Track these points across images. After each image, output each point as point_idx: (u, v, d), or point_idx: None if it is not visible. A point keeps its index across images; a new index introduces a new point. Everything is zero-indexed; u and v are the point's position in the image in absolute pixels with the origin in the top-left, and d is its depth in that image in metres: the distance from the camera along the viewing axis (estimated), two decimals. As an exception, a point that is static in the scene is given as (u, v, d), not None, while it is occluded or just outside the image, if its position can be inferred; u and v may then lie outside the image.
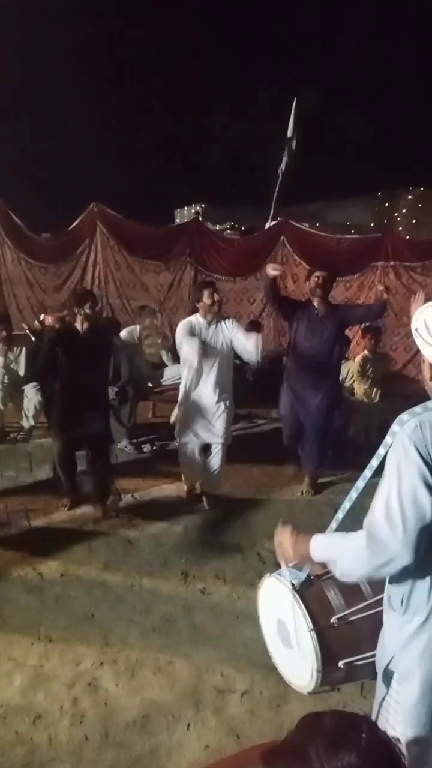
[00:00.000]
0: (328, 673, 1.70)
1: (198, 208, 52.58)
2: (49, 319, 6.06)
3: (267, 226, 9.44)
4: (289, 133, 10.40)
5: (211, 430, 4.34)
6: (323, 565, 1.60)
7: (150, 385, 6.22)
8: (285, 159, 10.44)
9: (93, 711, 2.36)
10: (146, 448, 5.78)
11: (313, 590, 1.77)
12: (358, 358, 6.44)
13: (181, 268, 8.59)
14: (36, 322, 6.55)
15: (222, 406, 4.35)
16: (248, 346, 4.22)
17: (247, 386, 6.72)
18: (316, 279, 4.66)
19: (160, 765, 2.11)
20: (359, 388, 6.23)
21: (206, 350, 4.21)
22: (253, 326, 7.12)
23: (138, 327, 6.71)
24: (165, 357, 6.40)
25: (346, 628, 1.71)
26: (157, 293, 8.43)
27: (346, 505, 1.63)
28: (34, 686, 2.48)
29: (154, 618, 2.99)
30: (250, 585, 3.26)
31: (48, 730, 2.25)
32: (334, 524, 1.68)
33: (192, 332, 4.27)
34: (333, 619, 1.70)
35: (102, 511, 4.16)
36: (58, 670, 2.58)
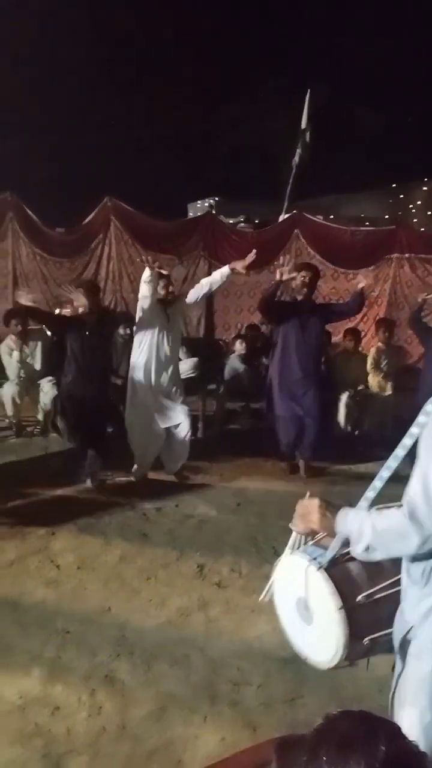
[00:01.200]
0: (352, 649, 1.73)
1: (211, 201, 52.44)
2: (64, 314, 6.12)
3: (281, 218, 9.40)
4: (303, 125, 10.34)
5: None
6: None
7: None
8: (299, 151, 10.38)
9: (110, 703, 2.37)
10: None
11: (339, 569, 1.77)
12: (372, 350, 6.43)
13: (195, 262, 8.57)
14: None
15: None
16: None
17: (261, 382, 6.72)
18: (303, 278, 4.92)
19: (176, 757, 2.13)
20: (373, 381, 6.21)
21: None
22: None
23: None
24: (180, 351, 6.40)
25: (370, 605, 1.72)
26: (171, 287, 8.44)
27: (377, 484, 1.63)
28: (51, 678, 2.50)
29: (170, 611, 3.01)
30: (266, 579, 3.25)
31: (66, 721, 2.27)
32: (363, 503, 1.69)
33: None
34: (360, 597, 1.71)
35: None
36: (75, 662, 2.60)
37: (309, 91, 10.46)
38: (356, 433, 6.10)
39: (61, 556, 3.51)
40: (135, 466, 4.78)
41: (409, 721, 1.39)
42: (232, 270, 4.70)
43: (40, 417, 5.73)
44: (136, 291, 8.43)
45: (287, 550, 1.92)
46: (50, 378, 5.73)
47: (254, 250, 4.73)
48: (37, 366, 5.78)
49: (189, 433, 4.77)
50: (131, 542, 3.73)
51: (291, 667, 2.60)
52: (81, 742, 2.18)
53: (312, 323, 4.97)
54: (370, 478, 1.57)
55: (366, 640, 1.71)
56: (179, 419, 4.69)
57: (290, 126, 10.75)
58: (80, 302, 4.48)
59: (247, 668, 2.59)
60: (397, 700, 1.48)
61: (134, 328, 4.91)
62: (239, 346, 6.72)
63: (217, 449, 5.60)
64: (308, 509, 1.61)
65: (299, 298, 5.03)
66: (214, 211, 9.71)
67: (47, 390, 5.65)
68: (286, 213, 9.92)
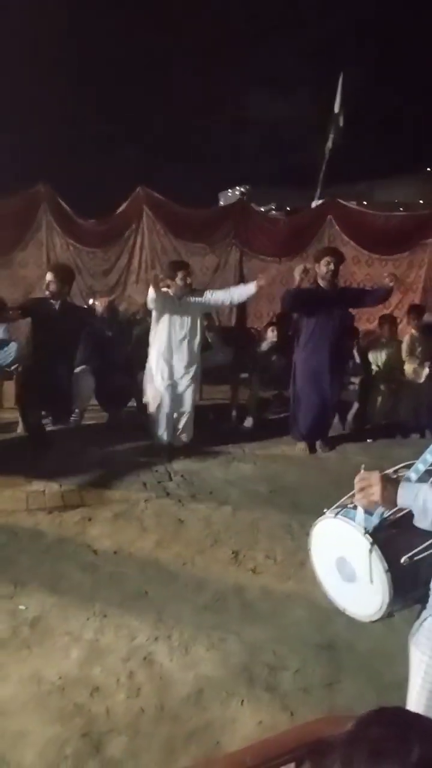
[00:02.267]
0: (393, 605, 1.82)
1: (242, 189, 52.14)
2: (98, 304, 6.18)
3: (313, 204, 9.31)
4: (336, 109, 10.20)
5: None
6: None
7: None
8: (332, 136, 10.26)
9: (148, 685, 2.41)
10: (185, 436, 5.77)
11: (384, 533, 1.83)
12: (406, 337, 6.35)
13: (227, 251, 8.55)
14: (86, 306, 6.68)
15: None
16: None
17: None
18: (328, 265, 4.98)
19: (214, 739, 2.15)
20: (408, 368, 6.14)
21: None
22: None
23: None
24: (211, 339, 6.40)
25: (412, 565, 1.80)
26: (202, 276, 8.42)
27: (428, 457, 1.65)
28: (90, 660, 2.54)
29: (206, 596, 3.03)
30: (301, 565, 3.27)
31: (105, 702, 2.31)
32: (413, 475, 1.70)
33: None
34: (404, 559, 1.77)
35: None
36: (113, 645, 2.64)
37: (342, 75, 10.32)
38: (390, 421, 6.05)
39: (97, 541, 3.56)
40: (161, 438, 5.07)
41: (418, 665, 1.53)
42: (259, 288, 4.94)
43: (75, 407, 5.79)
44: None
45: (328, 512, 1.98)
46: (84, 366, 5.79)
47: (273, 271, 5.22)
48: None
49: (188, 422, 5.16)
50: (166, 528, 3.76)
51: (327, 653, 2.60)
52: (120, 723, 2.21)
53: (336, 309, 5.05)
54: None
55: (408, 596, 1.80)
56: (184, 408, 5.07)
57: (323, 111, 10.61)
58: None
59: (284, 653, 2.60)
60: (414, 643, 1.60)
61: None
62: (271, 334, 6.69)
63: (250, 437, 5.62)
64: (369, 482, 1.63)
65: (323, 284, 5.02)
66: (245, 199, 9.65)
67: (83, 378, 5.71)
68: (318, 199, 9.82)
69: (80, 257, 8.26)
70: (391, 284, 5.09)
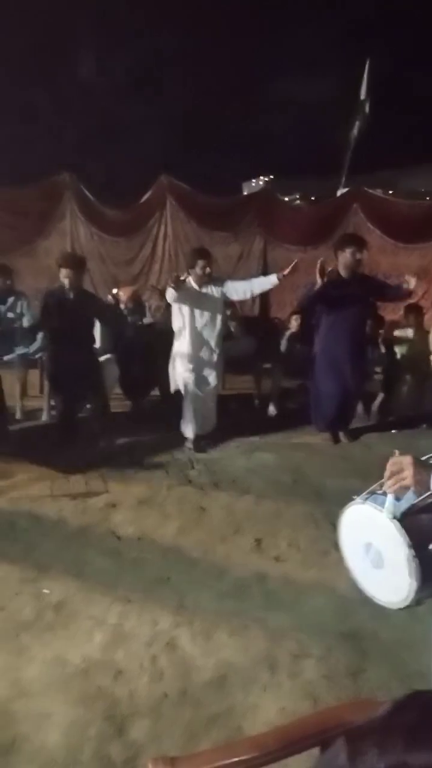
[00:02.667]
0: (421, 593, 1.81)
1: (266, 179, 51.76)
2: (122, 294, 6.19)
3: (339, 193, 9.21)
4: (362, 95, 10.07)
5: None
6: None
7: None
8: (358, 123, 10.12)
9: (171, 669, 2.41)
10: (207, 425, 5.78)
11: (411, 519, 1.82)
12: (433, 328, 6.25)
13: (251, 240, 8.52)
14: (109, 296, 6.70)
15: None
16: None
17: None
18: (354, 254, 4.82)
19: (236, 723, 2.15)
20: (435, 359, 6.05)
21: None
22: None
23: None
24: (234, 329, 6.38)
25: None
26: (225, 265, 8.40)
27: None
28: (114, 644, 2.56)
29: (228, 583, 3.03)
30: (324, 554, 3.25)
31: (128, 685, 2.33)
32: None
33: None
34: (431, 546, 1.77)
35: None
36: (136, 630, 2.65)
37: (368, 60, 10.16)
38: (416, 412, 5.98)
39: (121, 528, 3.58)
40: (187, 428, 5.03)
41: None
42: (280, 279, 4.81)
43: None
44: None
45: (358, 498, 1.97)
46: (109, 356, 5.81)
47: (296, 261, 4.78)
48: (97, 343, 5.86)
49: (211, 411, 5.13)
50: (189, 516, 3.76)
51: (352, 642, 2.58)
52: (143, 706, 2.22)
53: (357, 299, 4.91)
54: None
55: None
56: (207, 397, 5.06)
57: (348, 99, 10.48)
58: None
59: (307, 641, 2.58)
60: None
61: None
62: (294, 324, 6.64)
63: (273, 427, 5.59)
64: (401, 466, 1.61)
65: (344, 274, 4.89)
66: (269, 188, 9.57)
67: (108, 367, 5.75)
68: (344, 187, 9.71)
69: (104, 246, 8.30)
70: (411, 288, 4.90)
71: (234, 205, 8.91)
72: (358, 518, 2.01)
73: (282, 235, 8.45)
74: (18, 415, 5.65)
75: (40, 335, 5.56)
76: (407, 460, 1.59)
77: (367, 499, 2.10)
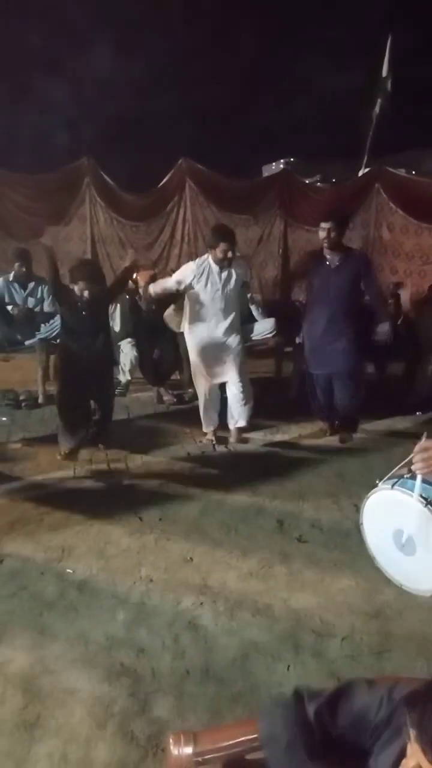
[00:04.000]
0: None
1: (286, 161, 51.22)
2: (140, 278, 6.16)
3: (361, 173, 9.06)
4: (384, 73, 9.85)
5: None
6: None
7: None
8: (379, 101, 9.92)
9: (193, 648, 2.41)
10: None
11: None
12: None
13: (271, 222, 8.42)
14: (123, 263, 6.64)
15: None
16: None
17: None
18: (325, 230, 4.35)
19: (260, 701, 2.14)
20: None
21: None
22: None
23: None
24: (255, 312, 6.31)
25: None
26: (246, 248, 8.32)
27: None
28: (136, 622, 2.56)
29: (251, 563, 3.01)
30: (347, 535, 3.22)
31: (151, 663, 2.33)
32: None
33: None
34: None
35: None
36: (159, 609, 2.65)
37: (390, 36, 9.93)
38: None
39: (143, 508, 3.58)
40: (204, 425, 4.80)
41: None
42: None
43: (121, 378, 5.83)
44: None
45: (382, 484, 1.91)
46: (130, 339, 5.81)
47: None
48: (117, 328, 5.86)
49: (243, 392, 4.66)
50: (210, 497, 3.75)
51: (376, 622, 2.55)
52: (166, 683, 2.22)
53: (340, 275, 4.44)
54: None
55: None
56: (230, 377, 4.65)
57: (370, 78, 10.27)
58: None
59: (331, 621, 2.56)
60: None
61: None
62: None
63: (295, 410, 5.54)
64: (430, 450, 1.58)
65: (325, 251, 4.48)
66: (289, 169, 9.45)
67: (127, 351, 5.75)
68: (365, 168, 9.54)
69: (123, 231, 8.27)
70: (400, 293, 4.57)
71: (254, 187, 8.82)
72: (386, 504, 1.94)
73: (302, 217, 8.33)
74: (41, 400, 5.69)
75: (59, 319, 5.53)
76: None
77: (394, 484, 2.03)
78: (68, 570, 2.93)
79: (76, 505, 3.63)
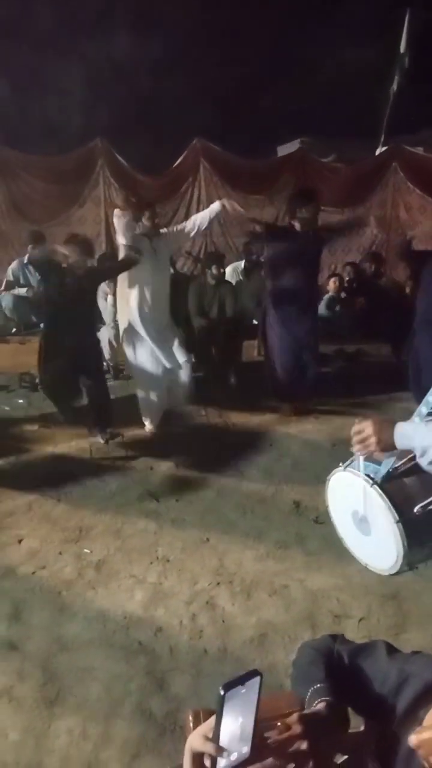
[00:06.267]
0: (412, 557, 1.74)
1: (302, 140, 50.53)
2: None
3: (378, 152, 8.91)
4: (402, 49, 9.65)
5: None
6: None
7: (255, 322, 6.12)
8: (397, 78, 9.72)
9: (211, 627, 2.42)
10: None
11: (394, 483, 1.75)
12: None
13: (286, 202, 8.31)
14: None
15: None
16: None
17: (356, 324, 6.48)
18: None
19: (278, 681, 2.14)
20: None
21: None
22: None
23: (243, 263, 6.62)
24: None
25: (427, 514, 1.71)
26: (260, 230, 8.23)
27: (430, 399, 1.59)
28: (154, 602, 2.58)
29: (268, 544, 3.02)
30: (364, 516, 3.20)
31: (168, 641, 2.34)
32: (416, 418, 1.61)
33: None
34: (417, 509, 1.69)
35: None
36: (176, 588, 2.67)
37: (408, 11, 9.70)
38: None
39: (159, 490, 3.59)
40: (145, 421, 4.55)
41: None
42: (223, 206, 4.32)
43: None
44: (225, 234, 8.37)
45: (340, 465, 1.91)
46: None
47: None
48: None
49: (189, 377, 4.44)
50: (227, 478, 3.75)
51: (393, 603, 2.54)
52: (183, 662, 2.24)
53: (304, 249, 4.51)
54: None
55: (426, 546, 1.74)
56: (177, 361, 4.40)
57: (387, 53, 10.06)
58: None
59: (348, 602, 2.56)
60: None
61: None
62: (332, 286, 6.51)
63: (311, 392, 5.51)
64: (364, 432, 1.55)
65: (295, 224, 4.53)
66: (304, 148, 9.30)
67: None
68: (383, 146, 9.39)
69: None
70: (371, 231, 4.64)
71: (269, 167, 8.71)
72: (342, 486, 1.94)
73: (319, 196, 8.22)
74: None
75: None
76: (367, 425, 1.53)
77: (347, 465, 2.02)
78: (86, 550, 2.96)
79: (92, 486, 3.65)
